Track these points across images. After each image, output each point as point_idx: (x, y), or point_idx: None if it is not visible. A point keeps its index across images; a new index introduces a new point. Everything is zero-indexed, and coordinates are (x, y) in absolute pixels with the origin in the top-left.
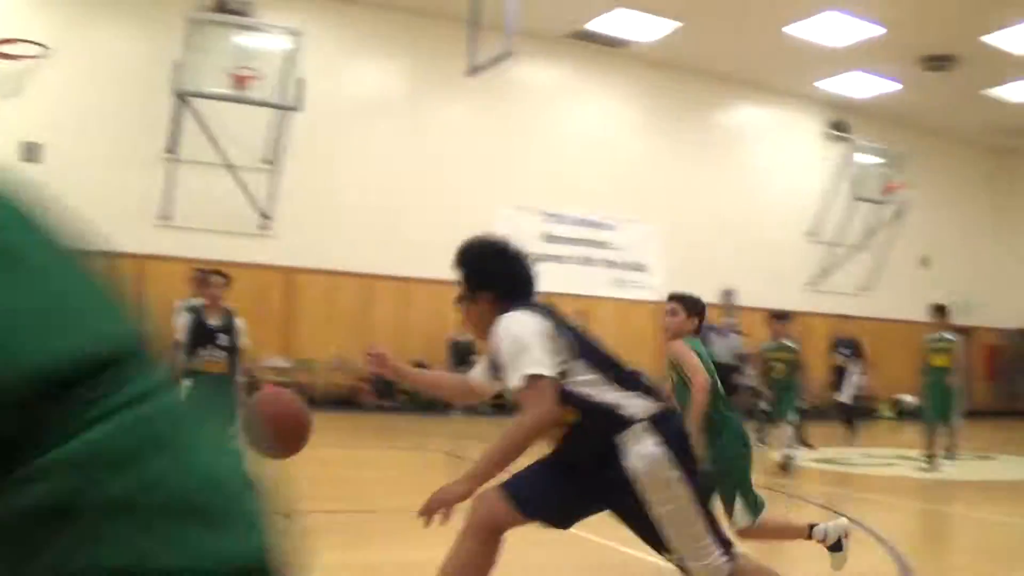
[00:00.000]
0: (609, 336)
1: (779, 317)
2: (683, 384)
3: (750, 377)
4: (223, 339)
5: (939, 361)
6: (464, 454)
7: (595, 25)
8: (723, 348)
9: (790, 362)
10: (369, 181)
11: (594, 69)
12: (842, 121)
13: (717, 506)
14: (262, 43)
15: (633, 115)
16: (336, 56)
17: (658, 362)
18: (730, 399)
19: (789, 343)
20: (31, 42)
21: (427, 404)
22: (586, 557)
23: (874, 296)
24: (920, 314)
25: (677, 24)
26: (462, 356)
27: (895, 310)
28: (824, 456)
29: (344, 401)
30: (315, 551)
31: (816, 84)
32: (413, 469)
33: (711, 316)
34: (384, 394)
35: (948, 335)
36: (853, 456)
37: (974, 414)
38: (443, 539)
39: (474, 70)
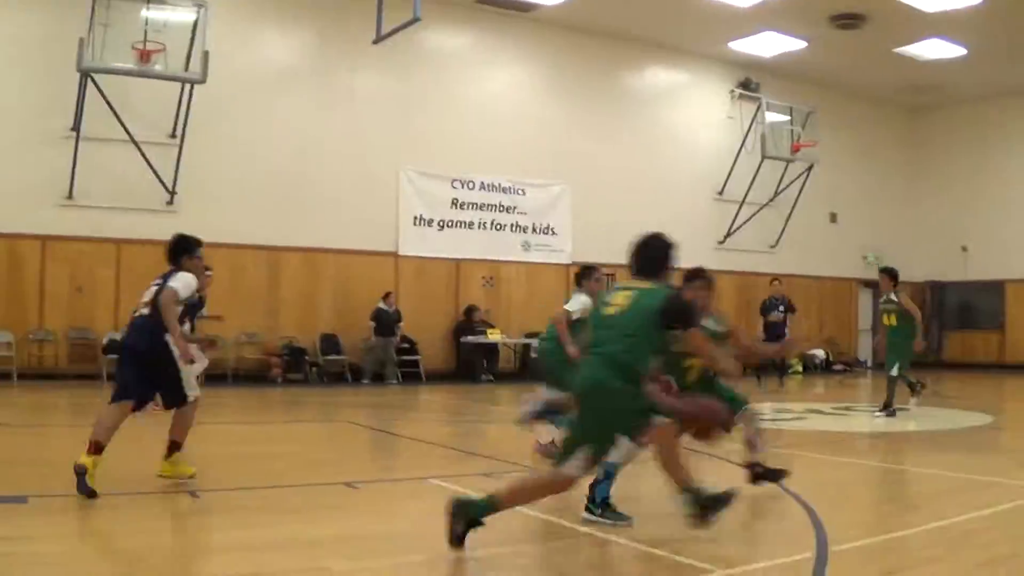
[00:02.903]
0: (518, 298)
1: (690, 278)
2: None
3: None
4: None
5: (888, 320)
6: (366, 423)
7: None
8: None
9: None
10: (275, 152)
11: (501, 34)
12: (751, 80)
13: None
14: (167, 16)
15: (541, 79)
16: (242, 26)
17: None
18: None
19: None
20: None
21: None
22: None
23: (781, 253)
24: (828, 270)
25: None
26: (388, 327)
27: (803, 266)
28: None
29: (254, 376)
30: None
31: (728, 45)
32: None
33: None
34: (293, 368)
35: (892, 296)
36: (765, 410)
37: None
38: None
39: (381, 37)
